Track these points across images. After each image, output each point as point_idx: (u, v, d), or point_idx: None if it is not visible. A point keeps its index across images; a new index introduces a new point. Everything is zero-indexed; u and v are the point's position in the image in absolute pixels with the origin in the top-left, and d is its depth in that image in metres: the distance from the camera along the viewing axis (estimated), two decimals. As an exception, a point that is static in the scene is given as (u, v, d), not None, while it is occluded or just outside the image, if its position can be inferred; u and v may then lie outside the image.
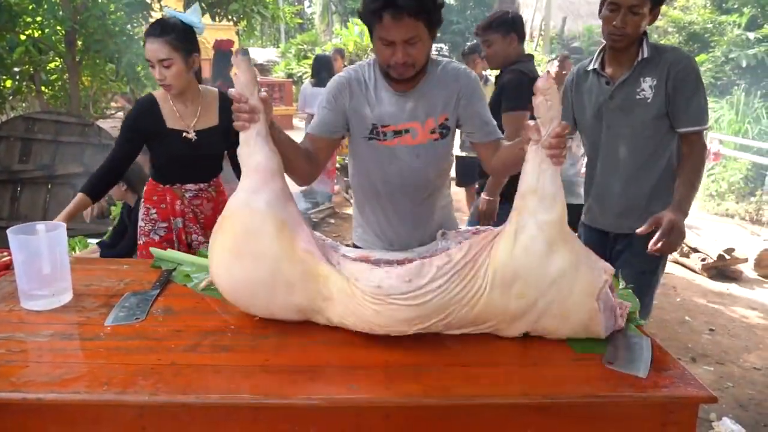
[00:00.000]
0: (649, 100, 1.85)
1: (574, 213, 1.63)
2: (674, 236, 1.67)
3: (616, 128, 1.93)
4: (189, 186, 2.13)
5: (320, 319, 1.34)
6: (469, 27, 19.86)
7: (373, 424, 1.09)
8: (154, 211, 2.16)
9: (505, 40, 2.67)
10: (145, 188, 2.23)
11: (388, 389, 1.10)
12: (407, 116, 1.59)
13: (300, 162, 1.55)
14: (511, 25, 2.67)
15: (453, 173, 3.78)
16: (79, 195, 2.00)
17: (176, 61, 1.89)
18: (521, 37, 2.74)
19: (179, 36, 1.88)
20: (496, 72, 2.87)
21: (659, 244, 1.65)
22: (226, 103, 2.04)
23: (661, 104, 1.84)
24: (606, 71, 1.94)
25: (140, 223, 2.20)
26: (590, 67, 1.98)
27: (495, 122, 1.67)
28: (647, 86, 1.85)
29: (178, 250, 2.10)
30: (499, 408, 1.10)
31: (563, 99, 2.04)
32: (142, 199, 2.21)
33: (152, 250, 1.81)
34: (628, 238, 1.92)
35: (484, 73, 4.79)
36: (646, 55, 1.84)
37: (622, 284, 1.55)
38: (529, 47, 9.41)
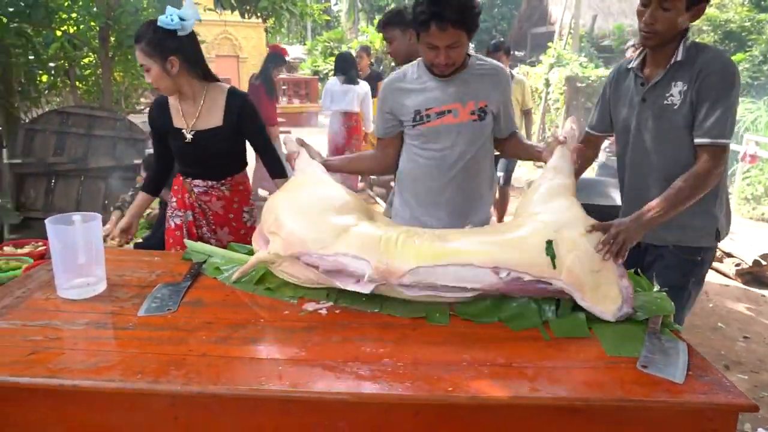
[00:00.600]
0: (676, 107, 1.70)
1: (603, 214, 1.59)
2: (617, 244, 1.42)
3: (645, 134, 1.81)
4: (197, 182, 2.13)
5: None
6: (497, 25, 19.69)
7: (402, 420, 1.09)
8: (174, 199, 2.22)
9: (405, 35, 2.72)
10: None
11: (417, 386, 1.09)
12: (450, 98, 1.81)
13: (362, 167, 2.24)
14: (410, 22, 2.65)
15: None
16: (141, 194, 2.20)
17: (152, 67, 1.89)
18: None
19: (151, 42, 1.87)
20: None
21: (602, 249, 1.42)
22: (233, 103, 2.03)
23: (688, 112, 1.68)
24: (644, 71, 1.81)
25: (168, 210, 2.26)
26: (630, 65, 1.86)
27: (511, 119, 1.95)
28: (677, 91, 1.71)
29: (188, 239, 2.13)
30: (529, 408, 1.09)
31: (601, 97, 1.99)
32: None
33: (186, 242, 1.84)
34: (658, 249, 1.83)
35: (508, 70, 4.74)
36: (679, 58, 1.69)
37: (656, 288, 1.51)
38: (557, 46, 9.25)
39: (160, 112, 2.07)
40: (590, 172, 2.96)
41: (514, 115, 1.99)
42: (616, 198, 2.28)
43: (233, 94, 2.05)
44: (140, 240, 3.20)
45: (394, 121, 1.91)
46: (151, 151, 2.81)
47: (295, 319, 1.38)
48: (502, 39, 5.15)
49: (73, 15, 4.92)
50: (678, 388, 1.10)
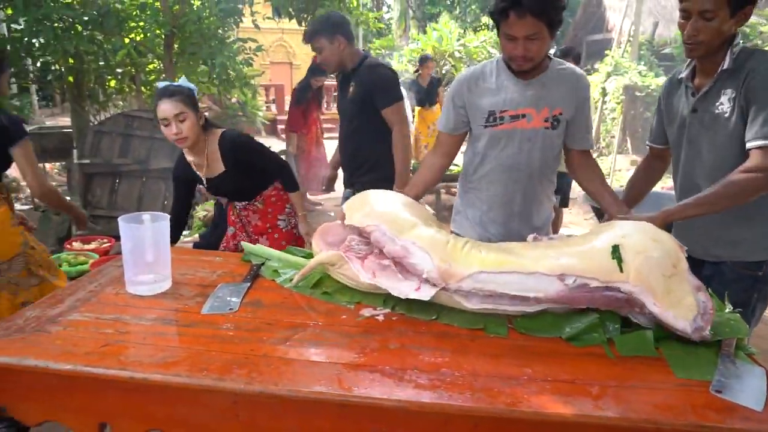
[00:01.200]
0: (726, 115, 1.63)
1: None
2: None
3: (697, 145, 1.74)
4: (236, 203, 2.47)
5: None
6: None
7: (461, 431, 1.07)
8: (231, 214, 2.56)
9: (333, 43, 2.56)
10: None
11: (477, 398, 1.08)
12: (526, 102, 1.77)
13: (434, 180, 2.01)
14: (335, 27, 2.55)
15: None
16: None
17: (189, 116, 2.10)
18: (349, 38, 2.61)
19: (187, 96, 2.12)
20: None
21: None
22: (225, 148, 2.23)
23: (739, 119, 1.61)
24: (694, 81, 1.75)
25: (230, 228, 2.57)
26: (681, 75, 1.81)
27: (591, 132, 1.82)
28: (726, 99, 1.64)
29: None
30: (594, 428, 1.05)
31: (657, 109, 1.93)
32: None
33: (243, 244, 1.89)
34: (716, 265, 1.74)
35: None
36: (726, 66, 1.62)
37: (728, 308, 1.44)
38: (615, 54, 8.99)
39: (184, 166, 2.32)
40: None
41: (591, 129, 1.91)
42: None
43: (223, 139, 2.24)
44: (198, 239, 3.33)
45: (465, 118, 1.87)
46: None
47: (352, 324, 1.39)
48: (567, 46, 4.97)
49: (141, 23, 5.17)
50: (757, 415, 1.03)
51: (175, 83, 2.17)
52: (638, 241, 1.34)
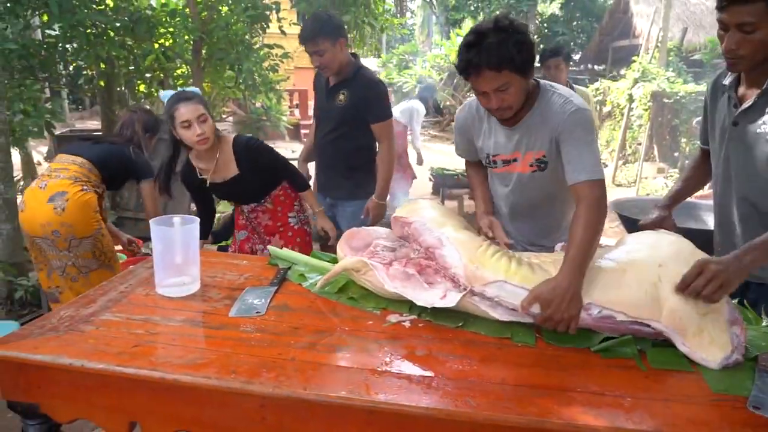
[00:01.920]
0: (767, 136, 1.51)
1: (692, 237, 1.45)
2: (711, 287, 1.24)
3: (736, 162, 1.62)
4: (243, 207, 2.50)
5: None
6: (575, 38, 19.15)
7: (489, 442, 1.06)
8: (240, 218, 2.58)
9: (335, 46, 2.48)
10: None
11: (506, 407, 1.06)
12: (513, 146, 1.73)
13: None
14: (338, 29, 2.50)
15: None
16: None
17: (208, 117, 2.16)
18: (347, 41, 2.59)
19: (201, 98, 2.19)
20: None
21: (689, 288, 1.27)
22: (240, 150, 2.28)
23: None
24: (738, 90, 1.60)
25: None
26: (725, 81, 1.66)
27: (583, 163, 1.54)
28: None
29: None
30: (627, 442, 1.03)
31: (704, 110, 1.79)
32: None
33: (270, 248, 1.91)
34: (762, 287, 1.64)
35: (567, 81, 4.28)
36: None
37: (765, 321, 1.40)
38: (642, 60, 8.85)
39: (189, 172, 2.38)
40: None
41: (576, 161, 1.57)
42: (709, 222, 2.12)
43: (237, 143, 2.29)
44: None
45: (474, 147, 1.87)
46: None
47: (378, 330, 1.39)
48: (560, 46, 4.59)
49: (171, 29, 5.27)
50: (798, 434, 1.00)
51: (187, 89, 2.24)
52: (675, 274, 1.27)
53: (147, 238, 4.11)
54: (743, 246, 1.36)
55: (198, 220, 1.60)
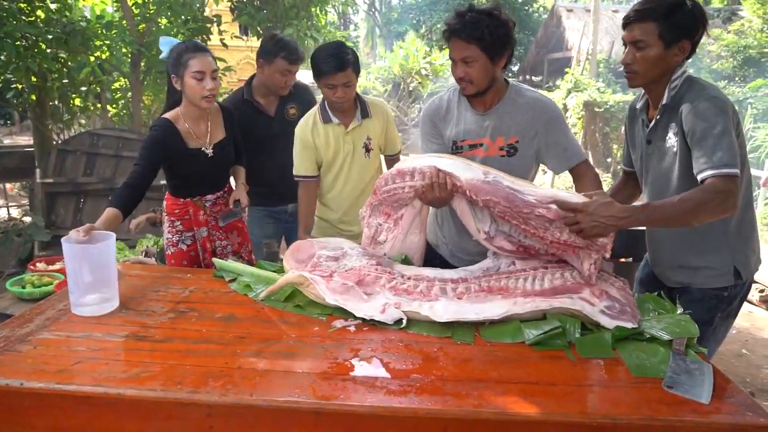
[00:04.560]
0: (675, 149, 1.64)
1: (632, 239, 1.57)
2: (576, 228, 1.46)
3: (654, 176, 1.76)
4: (208, 197, 2.28)
5: None
6: (513, 50, 19.81)
7: (431, 435, 1.12)
8: (178, 222, 2.28)
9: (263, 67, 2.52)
10: (164, 203, 2.32)
11: (446, 401, 1.12)
12: (482, 132, 1.85)
13: None
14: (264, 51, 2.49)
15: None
16: (112, 210, 1.89)
17: (217, 74, 2.10)
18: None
19: (214, 57, 2.12)
20: None
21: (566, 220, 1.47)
22: (228, 115, 2.26)
23: (686, 153, 1.60)
24: (648, 112, 1.76)
25: (166, 235, 2.31)
26: (637, 105, 1.82)
27: (577, 146, 1.87)
28: (672, 134, 1.64)
29: (203, 257, 2.28)
30: (558, 426, 1.10)
31: (624, 134, 1.95)
32: (165, 213, 2.32)
33: (214, 260, 1.90)
34: (684, 287, 1.78)
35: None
36: (665, 101, 1.63)
37: (680, 309, 1.52)
38: (575, 71, 9.33)
39: (172, 134, 2.11)
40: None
41: (571, 145, 1.86)
42: None
43: (224, 108, 2.27)
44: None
45: (441, 142, 1.92)
46: None
47: (324, 335, 1.42)
48: None
49: (107, 42, 5.13)
50: (705, 408, 1.11)
51: (175, 42, 2.14)
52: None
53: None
54: (639, 204, 1.56)
55: (114, 236, 1.57)
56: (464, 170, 1.62)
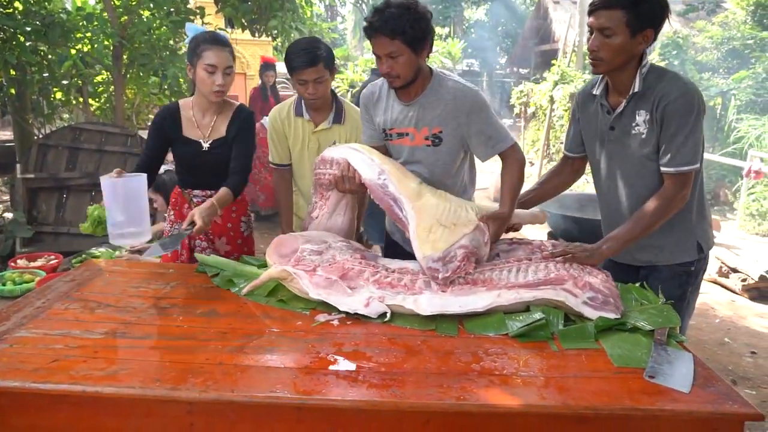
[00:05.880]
0: (643, 136, 1.68)
1: (581, 225, 1.60)
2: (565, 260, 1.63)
3: (617, 162, 1.79)
4: (196, 192, 2.20)
5: None
6: (500, 43, 19.88)
7: (414, 428, 1.11)
8: (172, 213, 2.27)
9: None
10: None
11: (428, 395, 1.12)
12: (408, 122, 1.88)
13: None
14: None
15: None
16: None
17: (233, 72, 2.05)
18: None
19: (233, 52, 2.05)
20: None
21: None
22: (237, 116, 2.13)
23: (655, 140, 1.66)
24: (609, 99, 1.77)
25: (165, 224, 2.30)
26: (595, 92, 1.81)
27: (502, 133, 1.84)
28: (641, 120, 1.67)
29: (180, 252, 2.18)
30: (540, 417, 1.11)
31: (572, 119, 1.97)
32: (169, 207, 2.33)
33: (196, 255, 1.88)
34: (650, 266, 1.82)
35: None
36: (637, 89, 1.65)
37: (662, 299, 1.54)
38: (561, 63, 9.34)
39: (171, 120, 2.12)
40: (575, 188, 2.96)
41: (495, 136, 1.84)
42: (597, 213, 2.24)
43: (240, 110, 2.17)
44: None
45: (374, 128, 1.99)
46: (166, 168, 2.88)
47: (307, 330, 1.41)
48: None
49: (88, 34, 5.04)
50: (685, 397, 1.12)
51: (201, 30, 2.07)
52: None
53: (68, 253, 3.91)
54: (606, 236, 1.71)
55: (145, 176, 1.71)
56: (367, 168, 1.75)
